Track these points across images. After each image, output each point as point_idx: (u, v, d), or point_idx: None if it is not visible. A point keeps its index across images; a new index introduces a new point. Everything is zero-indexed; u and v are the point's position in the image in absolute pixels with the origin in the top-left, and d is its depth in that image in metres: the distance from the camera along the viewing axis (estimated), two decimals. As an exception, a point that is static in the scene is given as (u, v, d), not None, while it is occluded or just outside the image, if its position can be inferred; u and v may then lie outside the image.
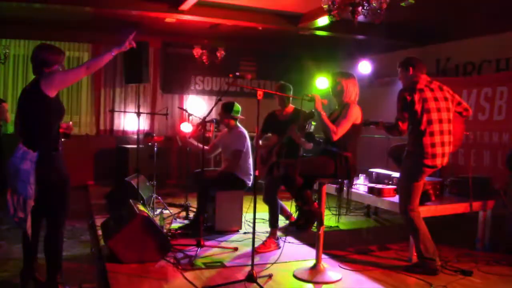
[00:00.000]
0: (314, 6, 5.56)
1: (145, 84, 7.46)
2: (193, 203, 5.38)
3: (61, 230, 3.06)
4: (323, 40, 7.23)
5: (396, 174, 4.31)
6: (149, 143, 5.87)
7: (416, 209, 3.64)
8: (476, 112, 5.29)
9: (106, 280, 3.34)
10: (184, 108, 6.96)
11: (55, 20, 6.53)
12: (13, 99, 6.87)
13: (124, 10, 5.70)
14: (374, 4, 3.37)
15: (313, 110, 3.51)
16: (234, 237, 4.58)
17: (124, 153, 7.09)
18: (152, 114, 7.88)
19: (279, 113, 4.76)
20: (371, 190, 4.34)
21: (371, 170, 4.81)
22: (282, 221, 4.75)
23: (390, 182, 4.44)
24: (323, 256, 3.72)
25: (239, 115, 4.91)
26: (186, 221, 5.07)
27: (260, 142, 4.39)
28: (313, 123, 3.75)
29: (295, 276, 3.52)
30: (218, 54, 7.72)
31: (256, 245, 3.65)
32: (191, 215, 5.25)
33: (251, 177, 4.84)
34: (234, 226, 4.78)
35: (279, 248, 4.19)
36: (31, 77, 3.02)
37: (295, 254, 4.04)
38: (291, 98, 4.65)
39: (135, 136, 5.82)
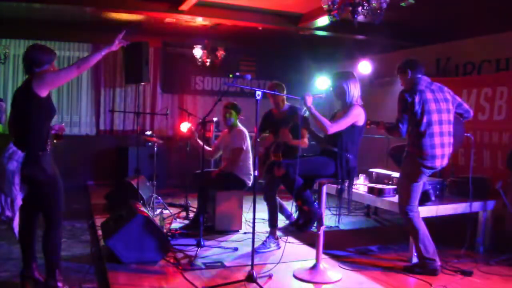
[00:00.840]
0: (314, 6, 5.55)
1: (145, 84, 7.46)
2: (193, 203, 5.38)
3: (57, 230, 3.05)
4: (323, 40, 7.22)
5: (396, 174, 4.31)
6: (149, 143, 5.87)
7: (416, 210, 3.64)
8: (476, 112, 5.27)
9: (106, 280, 3.34)
10: (184, 108, 6.96)
11: (55, 20, 6.52)
12: (13, 99, 6.86)
13: (124, 10, 5.70)
14: (374, 4, 3.36)
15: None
16: (234, 237, 4.58)
17: (124, 153, 7.09)
18: (152, 114, 7.88)
19: (276, 111, 4.76)
20: (371, 190, 4.34)
21: (371, 170, 4.81)
22: (282, 221, 4.75)
23: (390, 182, 4.43)
24: (323, 256, 3.72)
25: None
26: (186, 221, 5.07)
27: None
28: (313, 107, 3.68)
29: (295, 276, 3.52)
30: (218, 54, 7.72)
31: (256, 245, 3.65)
32: (191, 215, 5.26)
33: (251, 177, 4.84)
34: (234, 226, 4.78)
35: (279, 248, 4.19)
36: (31, 77, 3.01)
37: (295, 254, 4.04)
38: (285, 97, 4.65)
39: (135, 136, 5.82)
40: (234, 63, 8.26)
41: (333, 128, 3.38)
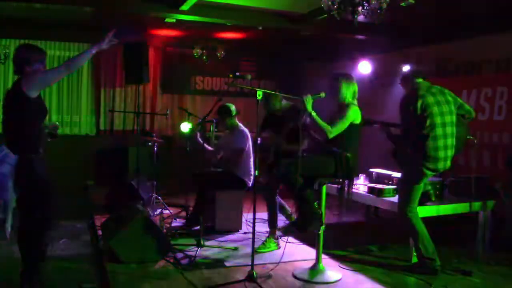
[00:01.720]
0: (314, 6, 5.55)
1: (145, 84, 7.45)
2: (193, 203, 5.37)
3: (37, 229, 3.00)
4: (323, 40, 7.22)
5: (396, 174, 4.32)
6: (149, 143, 5.87)
7: (414, 210, 3.65)
8: (476, 112, 5.28)
9: (106, 280, 3.34)
10: (184, 108, 6.95)
11: (55, 20, 6.52)
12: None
13: (124, 10, 5.70)
14: (373, 3, 3.37)
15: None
16: (234, 237, 4.58)
17: (124, 153, 7.08)
18: (152, 114, 7.87)
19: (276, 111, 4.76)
20: (371, 190, 4.34)
21: (371, 170, 4.81)
22: (282, 221, 4.75)
23: (390, 182, 4.43)
24: (323, 256, 3.72)
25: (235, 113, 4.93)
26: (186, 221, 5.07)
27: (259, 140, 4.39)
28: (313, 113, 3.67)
29: (295, 276, 3.52)
30: (218, 54, 7.72)
31: (256, 245, 3.65)
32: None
33: (252, 177, 4.83)
34: (234, 226, 4.78)
35: (279, 248, 4.19)
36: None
37: (295, 254, 4.04)
38: (281, 101, 4.63)
39: (135, 136, 5.81)
40: (234, 63, 8.27)
41: (333, 133, 3.42)
